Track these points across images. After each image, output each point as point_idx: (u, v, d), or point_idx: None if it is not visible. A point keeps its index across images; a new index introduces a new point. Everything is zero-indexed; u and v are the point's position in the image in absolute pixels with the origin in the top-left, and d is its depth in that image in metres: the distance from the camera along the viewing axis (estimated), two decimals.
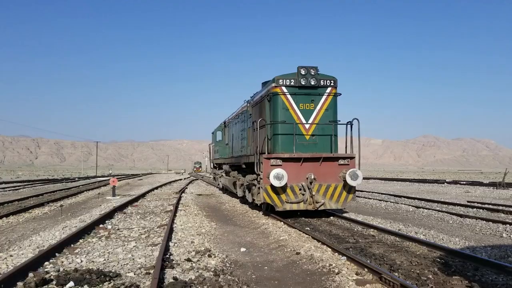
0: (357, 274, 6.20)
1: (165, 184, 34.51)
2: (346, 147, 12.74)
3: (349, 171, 11.60)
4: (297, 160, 11.66)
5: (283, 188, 11.43)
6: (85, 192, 25.16)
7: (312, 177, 11.61)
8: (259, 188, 12.01)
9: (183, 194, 23.19)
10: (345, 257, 7.12)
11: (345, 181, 11.70)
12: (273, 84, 12.12)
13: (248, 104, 14.99)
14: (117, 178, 24.55)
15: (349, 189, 11.96)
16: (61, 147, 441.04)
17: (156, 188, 28.90)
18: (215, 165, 26.19)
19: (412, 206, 15.68)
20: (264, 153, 11.95)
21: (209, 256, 7.37)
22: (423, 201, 18.07)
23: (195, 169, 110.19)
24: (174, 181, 43.13)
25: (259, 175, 11.92)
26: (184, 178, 51.04)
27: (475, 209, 15.05)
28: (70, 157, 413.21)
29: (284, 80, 12.09)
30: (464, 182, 37.64)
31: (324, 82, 12.29)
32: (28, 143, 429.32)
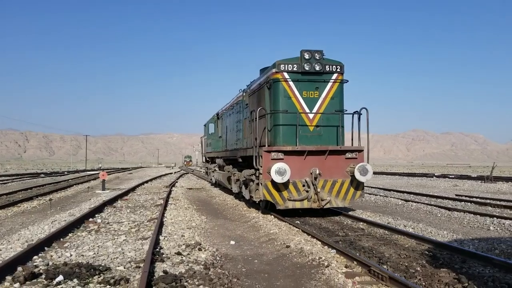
0: (346, 267, 6.26)
1: (155, 178, 34.38)
2: (352, 139, 11.92)
3: (358, 165, 10.78)
4: (300, 153, 10.81)
5: (285, 184, 10.59)
6: (74, 186, 24.96)
7: (317, 172, 10.77)
8: (257, 184, 11.13)
9: (173, 188, 23.12)
10: (334, 250, 7.17)
11: (353, 176, 10.89)
12: (274, 70, 11.15)
13: (244, 93, 14.08)
14: (106, 172, 24.39)
15: (357, 185, 11.12)
16: (50, 141, 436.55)
17: (146, 182, 28.77)
18: (207, 159, 25.44)
19: (401, 199, 15.82)
20: (264, 146, 11.11)
21: (199, 249, 7.38)
22: (412, 195, 18.25)
23: (185, 163, 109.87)
24: (164, 175, 42.98)
25: (258, 169, 11.04)
26: (175, 172, 50.88)
27: (463, 202, 15.22)
28: (59, 151, 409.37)
29: (286, 65, 11.08)
30: (453, 176, 38.06)
31: (329, 67, 11.28)
32: (16, 137, 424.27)
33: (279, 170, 10.18)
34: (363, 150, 11.37)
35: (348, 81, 11.63)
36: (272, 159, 10.63)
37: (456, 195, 18.44)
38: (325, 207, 10.91)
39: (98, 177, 26.78)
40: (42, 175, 39.31)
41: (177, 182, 29.02)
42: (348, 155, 11.22)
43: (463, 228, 10.11)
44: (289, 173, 10.25)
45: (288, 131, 11.09)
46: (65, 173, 47.36)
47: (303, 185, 10.81)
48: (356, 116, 11.64)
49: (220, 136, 19.61)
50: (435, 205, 13.89)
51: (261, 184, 10.78)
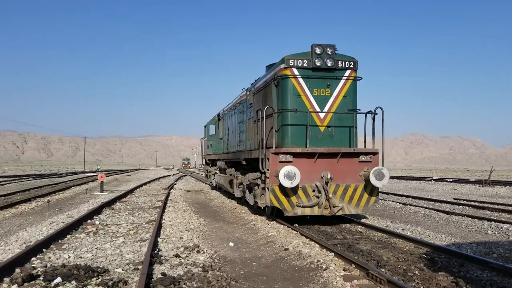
0: (344, 270, 6.26)
1: (153, 180, 34.34)
2: (365, 141, 11.23)
3: (374, 169, 10.02)
4: (310, 155, 10.07)
5: (294, 189, 9.83)
6: (72, 187, 24.92)
7: (328, 176, 10.00)
8: (263, 188, 10.39)
9: (171, 190, 23.10)
10: (333, 253, 7.18)
11: (367, 180, 10.14)
12: (282, 65, 10.40)
13: (248, 92, 13.36)
14: (105, 174, 24.36)
15: (372, 190, 10.39)
16: (48, 142, 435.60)
17: (145, 184, 28.74)
18: (207, 161, 24.83)
19: (400, 203, 15.85)
20: (271, 147, 10.34)
21: (198, 252, 7.37)
22: (410, 198, 18.27)
23: (184, 165, 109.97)
24: (163, 177, 42.93)
25: (264, 173, 10.26)
26: (173, 174, 50.83)
27: (461, 206, 15.25)
28: (58, 152, 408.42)
29: (296, 61, 10.33)
30: (451, 180, 38.12)
31: (342, 63, 10.53)
32: (14, 138, 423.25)
33: (288, 173, 9.44)
34: (378, 153, 10.68)
35: (361, 78, 10.94)
36: (280, 162, 9.92)
37: (454, 198, 18.47)
38: (337, 214, 10.13)
39: (97, 179, 26.73)
40: (30, 178, 36.99)
41: (175, 184, 29.00)
42: (362, 158, 10.51)
43: (461, 232, 10.13)
44: (299, 177, 9.51)
45: (297, 132, 10.37)
46: (64, 174, 47.27)
47: (313, 190, 10.07)
48: (369, 116, 10.93)
49: (221, 138, 19.12)
50: (433, 209, 13.93)
51: (268, 188, 10.03)
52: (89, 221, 10.81)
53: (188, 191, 22.93)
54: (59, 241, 8.27)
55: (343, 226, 10.60)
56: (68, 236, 8.83)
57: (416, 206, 14.88)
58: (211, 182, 23.19)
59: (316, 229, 10.14)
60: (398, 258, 7.12)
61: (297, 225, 10.45)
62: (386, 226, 10.36)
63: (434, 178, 42.47)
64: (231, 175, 15.36)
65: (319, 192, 10.03)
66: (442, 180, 38.44)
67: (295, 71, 10.39)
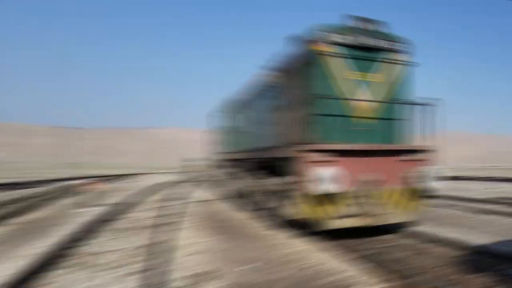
0: (375, 283, 6.52)
1: (150, 188, 34.25)
2: (416, 137, 10.48)
3: (426, 169, 9.56)
4: (352, 154, 9.24)
5: (332, 196, 9.04)
6: (51, 201, 24.75)
7: (373, 178, 9.39)
8: (293, 196, 9.57)
9: (173, 201, 23.06)
10: (363, 266, 7.45)
11: (418, 183, 9.65)
12: (316, 40, 9.39)
13: (269, 73, 12.21)
14: (92, 182, 24.09)
15: (421, 194, 9.89)
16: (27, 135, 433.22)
17: (141, 193, 28.66)
18: (216, 161, 23.57)
19: (432, 204, 16.07)
20: (303, 144, 9.23)
21: (210, 278, 7.33)
22: (443, 199, 18.40)
23: (186, 166, 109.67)
24: (162, 183, 42.78)
25: (294, 176, 9.40)
26: (175, 180, 50.65)
27: (499, 204, 15.59)
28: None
29: (332, 35, 9.40)
30: (489, 178, 38.05)
31: (390, 44, 9.90)
32: None
33: (326, 177, 8.70)
34: (432, 151, 10.02)
35: (418, 63, 10.26)
36: (314, 162, 8.96)
37: (492, 197, 18.63)
38: (383, 223, 9.51)
39: (82, 190, 26.15)
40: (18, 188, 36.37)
41: (176, 192, 28.94)
42: (413, 156, 9.84)
43: (500, 232, 10.43)
44: (339, 181, 8.82)
45: (334, 124, 9.57)
46: (33, 184, 46.52)
47: (354, 197, 9.32)
48: (420, 107, 10.15)
49: (235, 131, 17.29)
50: (469, 208, 14.36)
51: (299, 196, 9.22)
52: (72, 249, 9.73)
53: (192, 202, 22.84)
54: (32, 280, 7.15)
55: (374, 234, 10.55)
56: (45, 273, 7.77)
57: (451, 206, 15.14)
58: (220, 188, 22.44)
59: (342, 241, 9.99)
60: (433, 264, 7.39)
61: (320, 237, 10.37)
62: (420, 230, 10.49)
63: (470, 176, 42.36)
64: (249, 179, 14.18)
65: (361, 198, 9.37)
66: (478, 178, 38.41)
67: (332, 48, 9.53)
